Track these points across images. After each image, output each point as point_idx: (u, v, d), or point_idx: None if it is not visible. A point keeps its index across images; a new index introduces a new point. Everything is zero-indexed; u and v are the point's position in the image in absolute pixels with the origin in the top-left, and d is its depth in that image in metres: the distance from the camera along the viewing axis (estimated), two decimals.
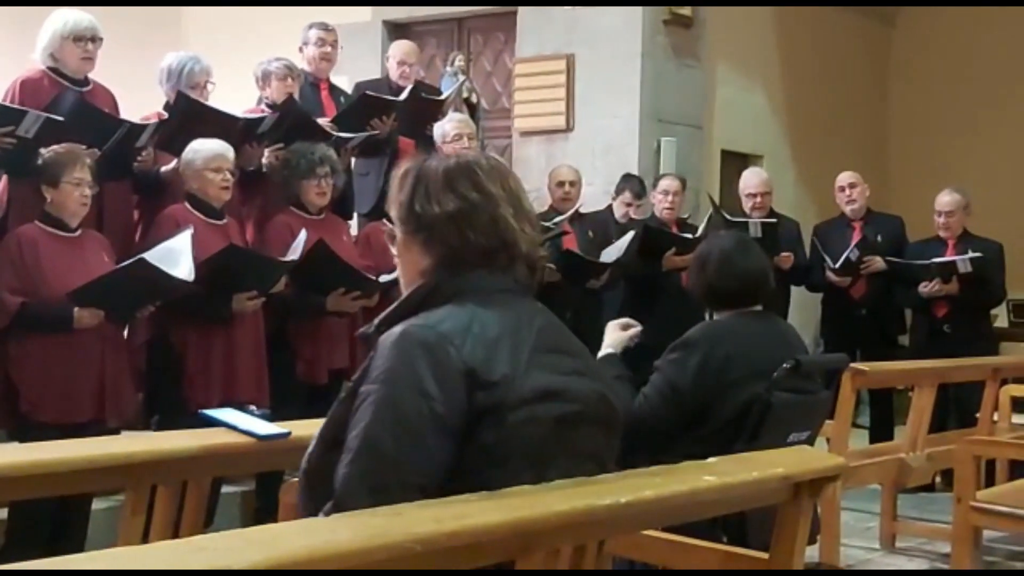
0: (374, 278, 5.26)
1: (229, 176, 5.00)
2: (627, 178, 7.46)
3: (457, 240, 2.14)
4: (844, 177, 7.44)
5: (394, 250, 2.26)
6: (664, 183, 7.16)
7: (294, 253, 5.00)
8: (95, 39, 5.08)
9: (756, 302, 3.63)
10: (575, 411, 2.10)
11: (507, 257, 2.17)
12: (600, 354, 3.65)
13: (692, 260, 3.83)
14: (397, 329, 2.04)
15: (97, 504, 4.53)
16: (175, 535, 2.78)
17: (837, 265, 7.04)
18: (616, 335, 3.69)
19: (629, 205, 7.22)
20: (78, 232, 4.55)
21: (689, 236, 6.67)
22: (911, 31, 10.57)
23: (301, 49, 6.51)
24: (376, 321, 2.15)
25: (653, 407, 3.44)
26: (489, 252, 2.15)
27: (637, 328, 3.71)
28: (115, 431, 4.44)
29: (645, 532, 2.71)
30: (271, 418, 3.36)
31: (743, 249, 3.69)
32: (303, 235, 5.06)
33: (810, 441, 3.53)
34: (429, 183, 2.18)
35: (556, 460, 2.07)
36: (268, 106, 5.94)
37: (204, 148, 4.98)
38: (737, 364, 3.40)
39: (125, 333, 4.80)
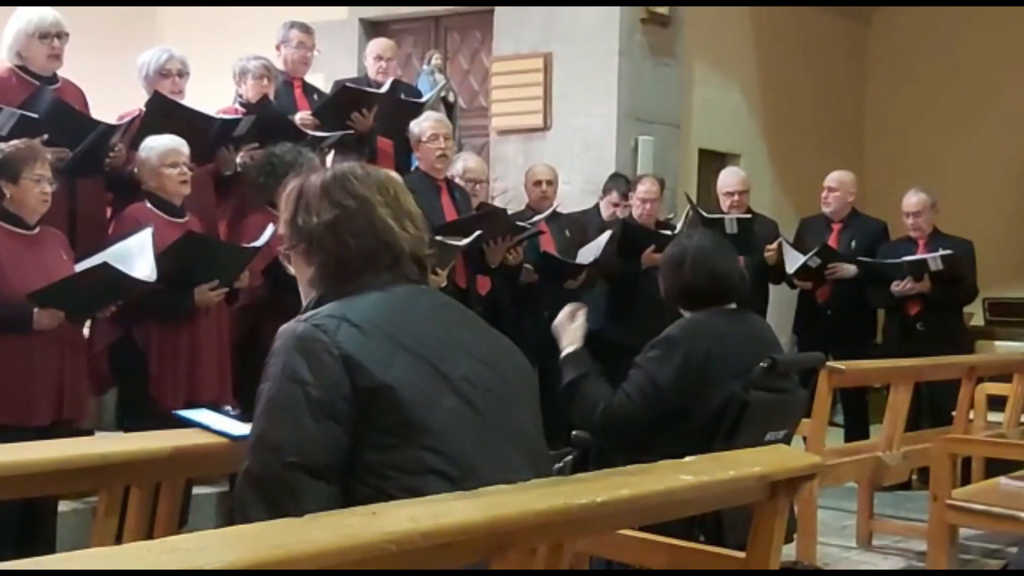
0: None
1: (186, 170, 4.95)
2: (614, 178, 7.46)
3: (337, 247, 2.22)
4: (828, 178, 7.42)
5: (291, 269, 2.33)
6: (642, 189, 7.04)
7: (260, 240, 4.96)
8: (61, 35, 5.05)
9: (729, 301, 3.63)
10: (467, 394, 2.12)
11: (390, 257, 2.23)
12: (563, 354, 3.63)
13: (664, 260, 3.80)
14: (279, 331, 2.13)
15: (67, 506, 4.48)
16: (149, 536, 2.75)
17: (793, 271, 7.04)
18: (570, 331, 3.67)
19: (616, 205, 7.22)
20: (36, 230, 4.48)
21: (668, 232, 6.67)
22: (887, 31, 10.61)
23: (278, 47, 6.48)
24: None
25: (633, 404, 3.44)
26: (370, 254, 2.22)
27: (582, 307, 3.69)
28: (88, 432, 4.41)
29: (622, 531, 2.71)
30: (245, 419, 3.34)
31: (716, 248, 3.70)
32: (271, 228, 5.02)
33: (787, 440, 3.54)
34: (308, 197, 2.26)
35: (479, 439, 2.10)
36: (242, 104, 5.92)
37: (158, 145, 4.92)
38: (717, 362, 3.40)
39: (86, 333, 4.75)
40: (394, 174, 2.45)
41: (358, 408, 2.02)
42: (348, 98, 6.12)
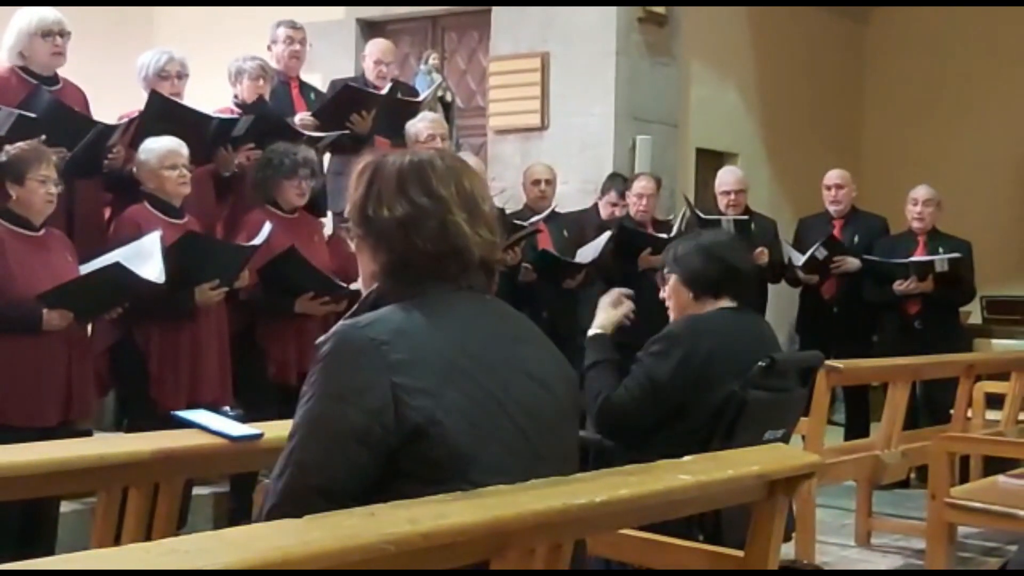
0: (344, 285, 5.22)
1: (185, 171, 4.96)
2: (612, 177, 7.46)
3: (405, 247, 2.09)
4: (832, 177, 7.44)
5: (352, 248, 2.22)
6: (638, 185, 7.13)
7: (259, 239, 4.97)
8: (63, 33, 5.06)
9: (736, 297, 3.62)
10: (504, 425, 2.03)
11: (458, 264, 2.10)
12: (589, 333, 3.63)
13: (677, 244, 3.73)
14: (332, 331, 2.02)
15: (67, 507, 4.48)
16: (147, 537, 2.75)
17: (801, 263, 7.07)
18: (607, 314, 3.67)
19: (615, 205, 7.22)
20: (42, 231, 4.49)
21: (664, 236, 6.67)
22: (885, 29, 10.61)
23: (270, 47, 6.49)
24: (330, 331, 2.08)
25: (633, 400, 3.43)
26: (439, 258, 2.09)
27: (629, 305, 3.68)
28: (87, 433, 4.41)
29: (621, 531, 2.71)
30: (244, 419, 3.34)
31: (732, 242, 3.72)
32: (267, 226, 5.03)
33: (785, 439, 3.54)
34: (382, 185, 2.13)
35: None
36: (237, 105, 5.92)
37: (157, 146, 4.94)
38: (717, 360, 3.39)
39: (88, 333, 4.76)
40: (472, 167, 2.29)
41: (400, 437, 1.93)
42: (349, 98, 6.12)
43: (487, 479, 1.96)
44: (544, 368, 2.16)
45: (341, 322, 2.05)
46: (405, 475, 1.94)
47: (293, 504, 1.92)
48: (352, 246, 2.21)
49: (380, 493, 1.92)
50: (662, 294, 3.73)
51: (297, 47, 6.42)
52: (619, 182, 7.34)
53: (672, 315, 3.66)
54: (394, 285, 2.11)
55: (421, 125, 6.14)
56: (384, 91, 6.28)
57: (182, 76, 5.55)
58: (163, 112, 5.22)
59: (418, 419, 1.93)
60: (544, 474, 2.06)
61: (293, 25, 6.45)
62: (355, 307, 2.13)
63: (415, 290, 2.08)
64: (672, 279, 3.64)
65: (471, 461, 1.96)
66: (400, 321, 2.01)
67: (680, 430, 3.35)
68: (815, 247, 7.05)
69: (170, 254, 4.58)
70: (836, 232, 7.29)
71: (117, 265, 4.36)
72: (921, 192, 7.19)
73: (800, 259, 7.09)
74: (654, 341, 3.50)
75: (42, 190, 4.39)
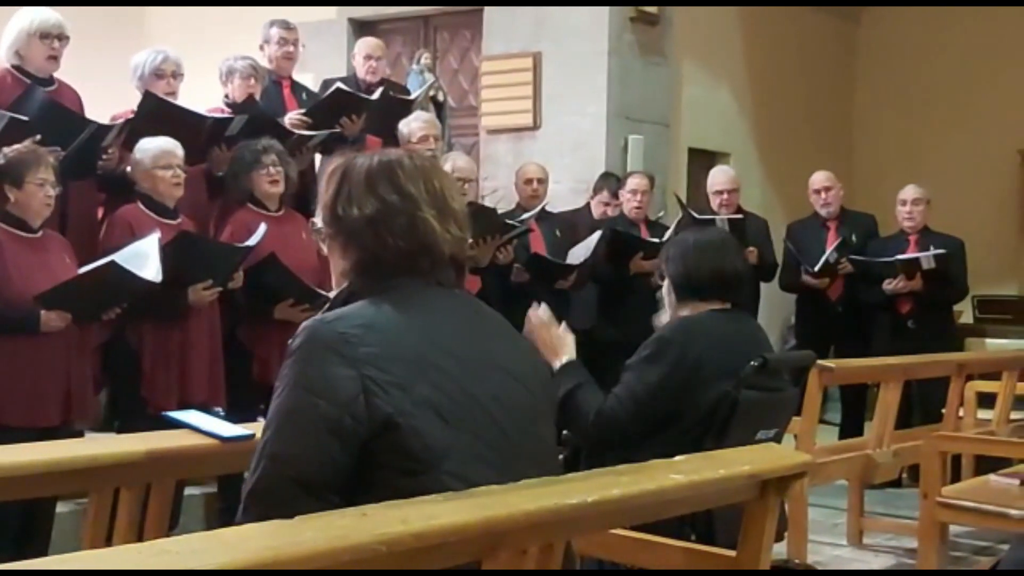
0: (324, 293, 5.20)
1: (180, 172, 4.95)
2: (605, 177, 7.46)
3: (375, 244, 2.12)
4: (819, 180, 7.42)
5: (324, 248, 2.25)
6: (632, 182, 7.15)
7: (254, 239, 4.96)
8: (62, 37, 5.06)
9: (729, 299, 3.61)
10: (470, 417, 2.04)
11: (428, 261, 2.13)
12: (558, 365, 3.54)
13: (672, 245, 3.70)
14: (302, 327, 2.05)
15: (62, 507, 4.48)
16: (139, 538, 2.75)
17: (817, 268, 7.06)
18: (561, 342, 3.53)
19: (607, 204, 7.22)
20: (40, 233, 4.49)
21: (656, 240, 6.66)
22: (877, 29, 10.63)
23: (262, 47, 6.48)
24: (301, 327, 2.10)
25: (625, 408, 3.41)
26: (409, 255, 2.12)
27: (545, 310, 3.52)
28: (79, 434, 4.40)
29: (613, 531, 2.71)
30: (233, 419, 3.33)
31: (725, 244, 3.69)
32: (263, 227, 5.02)
33: (778, 438, 3.54)
34: (352, 185, 2.16)
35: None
36: (228, 104, 5.92)
37: (152, 146, 4.93)
38: (709, 364, 3.37)
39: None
40: (441, 166, 2.34)
41: (371, 429, 1.95)
42: (341, 101, 6.11)
43: (463, 470, 1.97)
44: (517, 363, 2.18)
45: (311, 318, 2.07)
46: (382, 467, 1.96)
47: (269, 495, 1.95)
48: (324, 248, 2.24)
49: (360, 485, 1.95)
50: (659, 293, 3.72)
51: (290, 48, 6.41)
52: (612, 182, 7.34)
53: (667, 312, 3.65)
54: (365, 282, 2.13)
55: (415, 125, 6.13)
56: (375, 95, 6.26)
57: (177, 75, 5.55)
58: (157, 112, 5.22)
59: (388, 411, 1.95)
60: (523, 466, 2.08)
61: (286, 26, 6.44)
62: (327, 305, 2.15)
63: (385, 286, 2.10)
64: (666, 279, 3.63)
65: (445, 453, 1.97)
66: (370, 315, 2.04)
67: (673, 432, 3.35)
68: (829, 252, 7.04)
69: (165, 254, 4.58)
70: (832, 233, 7.29)
71: (113, 264, 4.36)
72: (909, 192, 7.20)
73: (817, 265, 7.06)
74: (645, 346, 3.48)
75: (40, 193, 4.40)
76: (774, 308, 7.82)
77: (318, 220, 2.24)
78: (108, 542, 2.75)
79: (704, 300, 3.55)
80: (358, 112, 6.12)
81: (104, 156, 5.11)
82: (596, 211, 7.27)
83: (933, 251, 6.92)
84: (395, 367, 1.98)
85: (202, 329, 4.93)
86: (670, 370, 3.38)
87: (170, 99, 5.42)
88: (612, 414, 3.41)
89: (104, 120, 5.18)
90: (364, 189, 2.14)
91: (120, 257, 4.43)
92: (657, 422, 3.38)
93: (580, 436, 3.49)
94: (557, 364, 3.48)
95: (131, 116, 5.24)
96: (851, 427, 7.18)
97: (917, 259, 6.93)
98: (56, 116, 4.89)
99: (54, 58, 5.08)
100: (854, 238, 7.28)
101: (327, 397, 1.95)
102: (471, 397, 2.04)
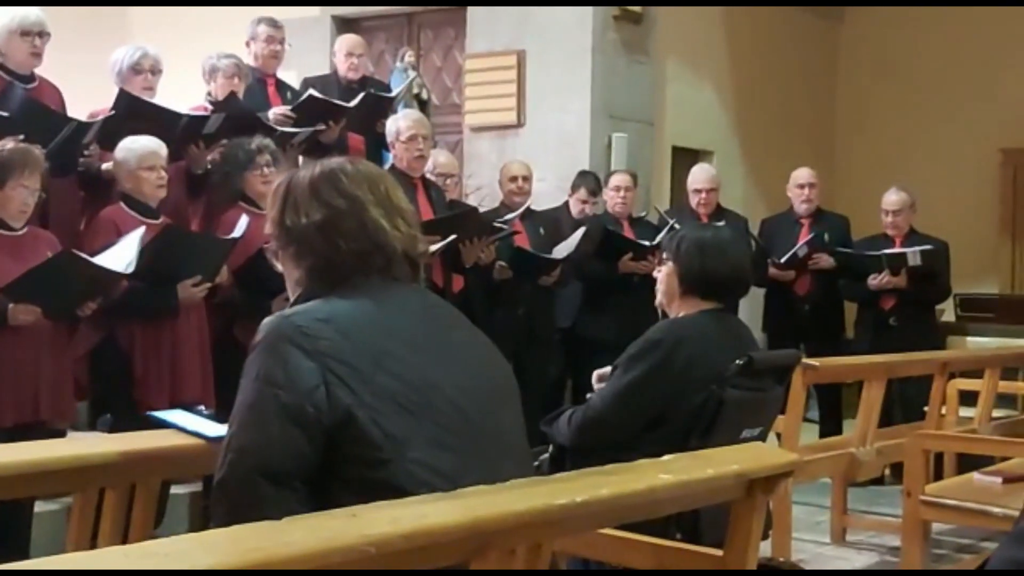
0: None
1: (163, 174, 4.92)
2: (582, 175, 7.46)
3: (327, 249, 2.16)
4: (803, 175, 7.47)
5: (279, 267, 2.28)
6: (615, 179, 7.20)
7: (238, 231, 4.92)
8: (43, 34, 5.06)
9: (727, 300, 3.62)
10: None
11: (382, 258, 2.17)
12: None
13: (684, 240, 3.67)
14: (262, 323, 2.09)
15: (40, 507, 4.45)
16: (124, 538, 2.74)
17: (783, 259, 7.09)
18: None
19: (585, 202, 7.22)
20: (23, 231, 4.46)
21: (647, 243, 6.67)
22: (859, 29, 10.65)
23: (248, 44, 6.45)
24: (261, 324, 2.13)
25: (609, 408, 3.41)
26: (362, 256, 2.16)
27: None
28: (61, 433, 4.37)
29: (600, 530, 2.71)
30: (221, 418, 3.32)
31: (737, 244, 3.72)
32: (244, 218, 4.99)
33: (762, 437, 3.54)
34: (297, 195, 2.20)
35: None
36: (211, 102, 5.89)
37: (137, 146, 4.89)
38: (697, 365, 3.37)
39: (68, 334, 4.71)
40: (383, 170, 2.39)
41: (333, 419, 1.97)
42: (315, 108, 6.08)
43: (428, 458, 2.00)
44: (477, 352, 2.23)
45: (271, 315, 2.11)
46: (349, 460, 1.99)
47: (236, 487, 1.99)
48: (278, 264, 2.28)
49: (330, 479, 1.99)
50: (656, 273, 3.72)
51: (277, 46, 6.40)
52: (590, 180, 7.34)
53: (660, 298, 3.64)
54: (320, 286, 2.17)
55: (405, 124, 6.02)
56: (354, 103, 6.22)
57: (155, 71, 5.51)
58: (131, 109, 5.18)
59: (348, 401, 1.98)
60: (490, 452, 2.11)
61: (274, 24, 6.42)
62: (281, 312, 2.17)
63: (342, 288, 2.14)
64: (669, 267, 3.61)
65: (407, 440, 2.00)
66: (328, 310, 2.08)
67: (660, 434, 3.34)
68: (799, 246, 7.07)
69: (151, 249, 4.55)
70: (805, 231, 7.32)
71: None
72: (891, 201, 7.20)
73: (783, 256, 7.09)
74: (633, 346, 3.48)
75: (19, 198, 4.35)
76: (752, 307, 7.82)
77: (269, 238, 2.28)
78: (93, 542, 2.73)
79: (706, 298, 3.55)
80: (336, 118, 6.10)
81: (85, 153, 5.08)
82: (574, 209, 7.27)
83: (919, 247, 6.95)
84: (354, 359, 2.01)
85: (191, 327, 4.91)
86: (656, 368, 3.38)
87: (146, 96, 5.38)
88: (596, 413, 3.42)
89: (84, 118, 5.15)
90: (309, 197, 2.18)
91: (107, 256, 4.39)
92: (644, 422, 3.38)
93: (568, 443, 3.49)
94: None
95: (111, 114, 5.21)
96: (830, 424, 7.20)
97: (904, 254, 6.95)
98: (36, 114, 4.87)
99: (36, 55, 5.06)
100: (827, 237, 7.30)
101: (288, 388, 1.98)
102: (432, 386, 2.07)
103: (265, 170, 5.23)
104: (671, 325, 3.53)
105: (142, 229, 4.58)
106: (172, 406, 3.94)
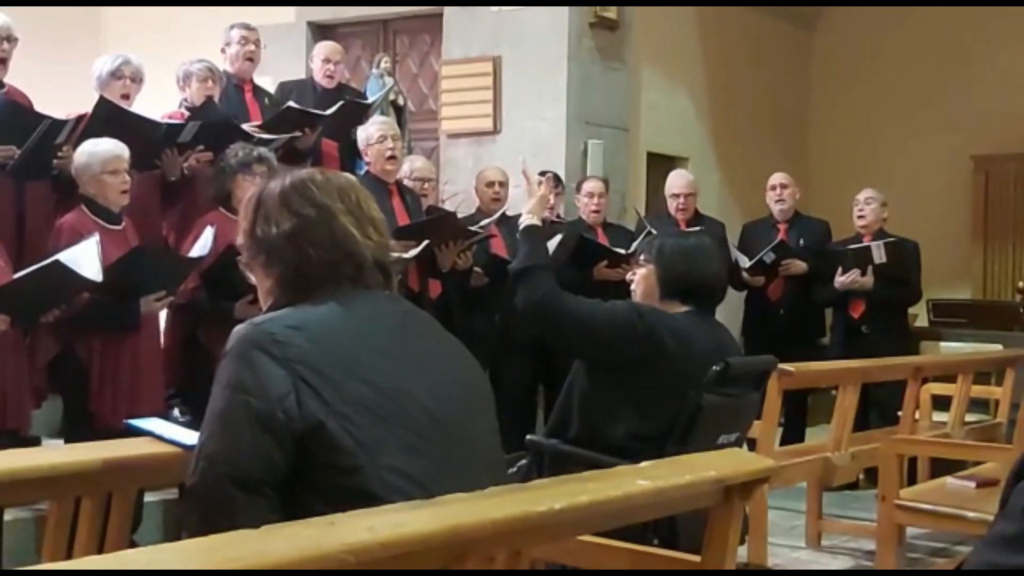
0: None
1: (127, 178, 4.85)
2: (541, 175, 7.45)
3: (297, 257, 2.17)
4: (776, 177, 7.57)
5: (252, 279, 2.28)
6: (588, 185, 7.20)
7: (203, 249, 4.89)
8: (10, 39, 5.02)
9: (705, 304, 3.64)
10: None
11: (352, 267, 2.18)
12: (525, 223, 3.70)
13: (664, 244, 3.71)
14: (233, 331, 2.09)
15: (11, 515, 4.41)
16: (100, 547, 2.72)
17: (748, 265, 7.13)
18: (535, 199, 3.76)
19: (550, 208, 7.20)
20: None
21: (622, 251, 6.68)
22: (832, 35, 10.72)
23: (223, 50, 6.45)
24: (232, 332, 2.14)
25: (579, 305, 3.52)
26: (332, 264, 2.16)
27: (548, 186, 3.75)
28: (35, 442, 4.34)
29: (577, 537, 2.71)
30: (197, 426, 3.30)
31: (714, 250, 3.75)
32: (209, 230, 4.95)
33: (739, 442, 3.56)
34: (268, 206, 2.20)
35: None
36: (187, 108, 5.87)
37: (100, 150, 4.79)
38: (679, 361, 3.40)
39: (27, 341, 4.67)
40: (355, 179, 2.40)
41: (304, 426, 1.98)
42: (292, 117, 6.07)
43: (400, 464, 2.00)
44: (450, 359, 2.23)
45: (243, 323, 2.11)
46: (321, 467, 1.99)
47: (206, 495, 1.99)
48: (250, 276, 2.28)
49: (303, 486, 1.99)
50: (629, 276, 3.74)
51: (251, 48, 6.39)
52: (550, 180, 7.33)
53: (636, 298, 3.67)
54: (292, 295, 2.17)
55: (372, 128, 6.11)
56: (331, 111, 6.22)
57: (136, 79, 5.49)
58: (110, 117, 5.15)
59: (319, 409, 1.98)
60: (464, 457, 2.11)
61: (247, 27, 6.43)
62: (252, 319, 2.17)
63: (313, 296, 2.14)
64: (648, 268, 3.63)
65: (380, 447, 2.00)
66: (299, 317, 2.08)
67: (639, 428, 3.35)
68: (764, 251, 7.11)
69: (119, 267, 4.51)
70: (781, 235, 7.36)
71: (56, 263, 4.29)
72: (863, 192, 7.30)
73: (747, 262, 7.14)
74: (621, 301, 3.55)
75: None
76: (730, 312, 7.85)
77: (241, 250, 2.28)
78: (69, 551, 2.71)
79: (685, 302, 3.57)
80: (312, 126, 6.09)
81: (59, 155, 5.03)
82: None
83: (883, 240, 6.99)
84: (325, 366, 2.01)
85: (150, 335, 4.87)
86: (631, 324, 3.41)
87: (124, 103, 5.36)
88: (569, 305, 3.50)
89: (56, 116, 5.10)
90: (279, 207, 2.19)
91: (62, 259, 4.37)
92: (596, 355, 3.45)
93: (523, 305, 3.56)
94: (525, 218, 3.70)
95: (84, 114, 5.17)
96: (793, 430, 7.19)
97: (868, 248, 6.99)
98: (9, 114, 4.82)
99: (2, 60, 5.01)
100: (802, 242, 7.34)
101: (258, 394, 1.98)
102: (404, 393, 2.07)
103: (258, 179, 5.21)
104: (659, 311, 3.55)
105: (96, 237, 4.50)
106: (128, 418, 3.92)
